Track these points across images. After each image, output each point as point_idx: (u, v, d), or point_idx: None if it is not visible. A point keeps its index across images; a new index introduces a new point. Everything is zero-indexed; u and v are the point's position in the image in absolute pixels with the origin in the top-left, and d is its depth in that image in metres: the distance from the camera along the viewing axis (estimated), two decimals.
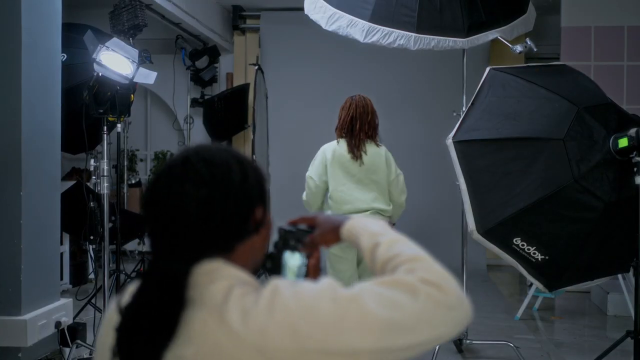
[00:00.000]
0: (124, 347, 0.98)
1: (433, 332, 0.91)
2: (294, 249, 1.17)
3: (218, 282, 0.98)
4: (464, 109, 3.90)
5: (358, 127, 3.60)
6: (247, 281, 1.00)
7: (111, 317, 1.05)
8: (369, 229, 1.10)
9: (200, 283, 0.98)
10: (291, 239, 1.18)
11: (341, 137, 3.65)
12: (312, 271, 1.17)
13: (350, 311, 0.90)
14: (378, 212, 3.50)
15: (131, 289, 1.04)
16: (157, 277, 0.99)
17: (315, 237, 1.18)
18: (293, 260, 1.16)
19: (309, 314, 0.91)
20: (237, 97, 7.69)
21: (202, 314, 0.95)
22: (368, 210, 3.50)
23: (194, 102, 7.86)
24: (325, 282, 0.96)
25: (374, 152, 3.57)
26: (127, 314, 1.00)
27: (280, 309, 0.92)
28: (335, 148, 3.61)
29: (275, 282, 0.97)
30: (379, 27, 3.74)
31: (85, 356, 3.67)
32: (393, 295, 0.92)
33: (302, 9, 4.06)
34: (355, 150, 3.55)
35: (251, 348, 0.91)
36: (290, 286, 0.96)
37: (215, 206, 1.00)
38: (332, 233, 1.17)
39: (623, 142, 3.24)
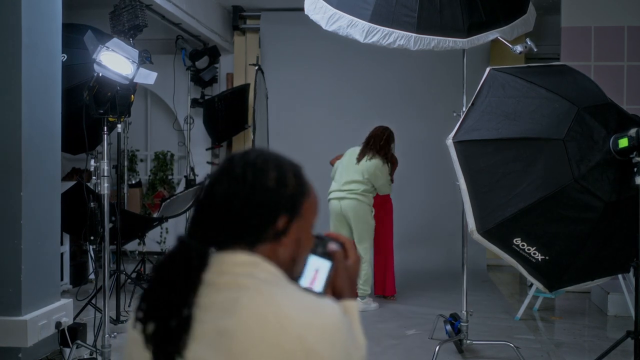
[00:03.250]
0: (150, 301, 1.07)
1: None
2: (322, 254, 1.23)
3: (262, 272, 1.07)
4: (464, 109, 3.90)
5: (371, 143, 5.36)
6: (285, 278, 1.10)
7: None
8: (359, 326, 1.23)
9: (247, 272, 1.07)
10: (320, 245, 1.23)
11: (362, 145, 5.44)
12: (334, 279, 1.24)
13: None
14: (347, 190, 5.25)
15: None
16: (182, 252, 1.09)
17: (335, 271, 1.23)
18: (321, 265, 1.21)
19: (347, 345, 1.04)
20: (237, 97, 7.69)
21: (250, 293, 1.03)
22: (342, 184, 5.34)
23: (194, 103, 7.86)
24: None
25: (372, 162, 5.28)
26: (154, 281, 1.10)
27: (330, 320, 1.03)
28: (354, 149, 5.44)
29: (332, 302, 1.08)
30: (379, 27, 3.74)
31: (85, 356, 3.67)
32: None
33: (302, 9, 4.06)
34: (359, 156, 5.35)
35: (294, 334, 0.99)
36: (344, 316, 1.08)
37: (238, 203, 1.09)
38: (347, 290, 1.25)
39: (623, 142, 3.24)
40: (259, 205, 1.10)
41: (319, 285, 1.19)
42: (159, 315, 1.05)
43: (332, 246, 1.22)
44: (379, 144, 5.34)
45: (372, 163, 5.26)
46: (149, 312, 1.06)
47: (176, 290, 1.05)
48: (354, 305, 1.23)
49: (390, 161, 5.89)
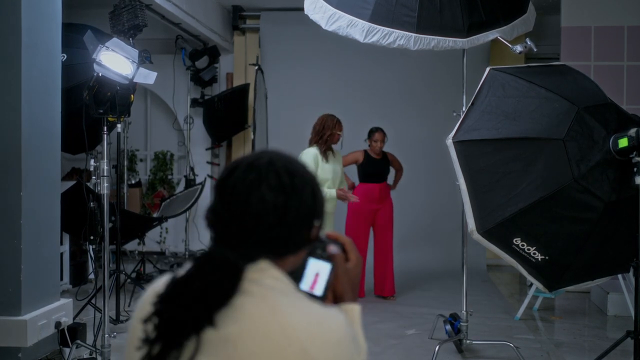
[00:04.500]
0: (166, 318, 1.01)
1: None
2: (322, 257, 1.18)
3: (269, 278, 1.04)
4: (464, 109, 3.90)
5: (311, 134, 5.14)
6: (292, 285, 1.07)
7: (148, 299, 1.08)
8: (360, 330, 1.19)
9: (253, 278, 1.04)
10: (319, 247, 1.18)
11: None
12: (334, 281, 1.21)
13: None
14: None
15: (184, 268, 1.07)
16: (220, 265, 1.03)
17: (335, 275, 1.19)
18: (322, 268, 1.17)
19: (351, 357, 1.02)
20: (237, 97, 7.69)
21: (255, 300, 1.01)
22: None
23: (194, 102, 7.86)
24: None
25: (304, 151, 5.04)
26: (177, 289, 1.02)
27: (334, 333, 1.01)
28: None
29: (338, 312, 1.06)
30: (379, 27, 3.74)
31: (85, 356, 3.67)
32: None
33: (302, 9, 4.06)
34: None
35: (298, 345, 0.97)
36: (349, 324, 1.06)
37: (288, 215, 1.05)
38: (350, 294, 1.21)
39: (623, 142, 3.24)
40: (305, 217, 1.08)
41: (319, 289, 1.15)
42: (175, 335, 0.99)
43: (332, 248, 1.19)
44: (313, 133, 5.15)
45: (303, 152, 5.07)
46: (163, 332, 1.00)
47: (201, 309, 0.99)
48: (355, 309, 1.21)
49: (395, 167, 5.89)
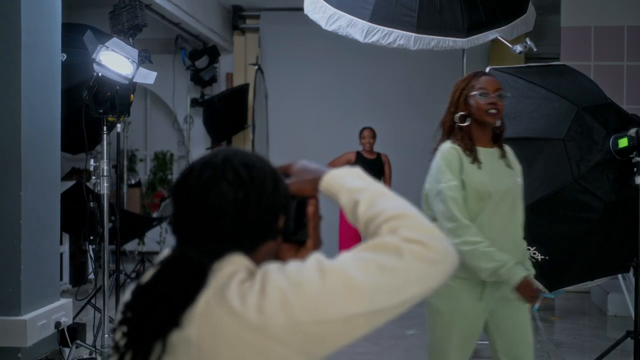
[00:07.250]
0: (133, 324, 1.02)
1: (421, 288, 0.95)
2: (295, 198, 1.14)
3: (225, 267, 1.02)
4: None
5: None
6: (251, 269, 1.03)
7: None
8: (347, 185, 1.08)
9: (214, 271, 1.03)
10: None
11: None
12: (312, 218, 1.15)
13: (336, 281, 0.94)
14: None
15: (148, 274, 1.07)
16: (183, 265, 1.03)
17: (290, 185, 1.14)
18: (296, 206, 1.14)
19: (297, 288, 0.94)
20: (237, 97, 7.69)
21: (206, 295, 0.99)
22: None
23: (194, 102, 7.86)
24: (312, 258, 0.99)
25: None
26: (142, 295, 1.03)
27: (271, 288, 0.96)
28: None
29: (265, 267, 1.00)
30: (379, 27, 3.74)
31: (85, 356, 3.67)
32: (377, 259, 0.94)
33: (302, 9, 4.06)
34: None
35: (251, 327, 0.94)
36: (279, 267, 0.99)
37: (249, 208, 1.04)
38: (310, 184, 1.14)
39: (623, 142, 3.24)
40: (267, 208, 1.06)
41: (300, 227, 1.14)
42: (144, 338, 1.01)
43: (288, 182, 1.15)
44: (446, 116, 2.70)
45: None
46: (131, 339, 1.02)
47: (169, 312, 1.00)
48: (332, 176, 1.10)
49: (385, 172, 5.86)
